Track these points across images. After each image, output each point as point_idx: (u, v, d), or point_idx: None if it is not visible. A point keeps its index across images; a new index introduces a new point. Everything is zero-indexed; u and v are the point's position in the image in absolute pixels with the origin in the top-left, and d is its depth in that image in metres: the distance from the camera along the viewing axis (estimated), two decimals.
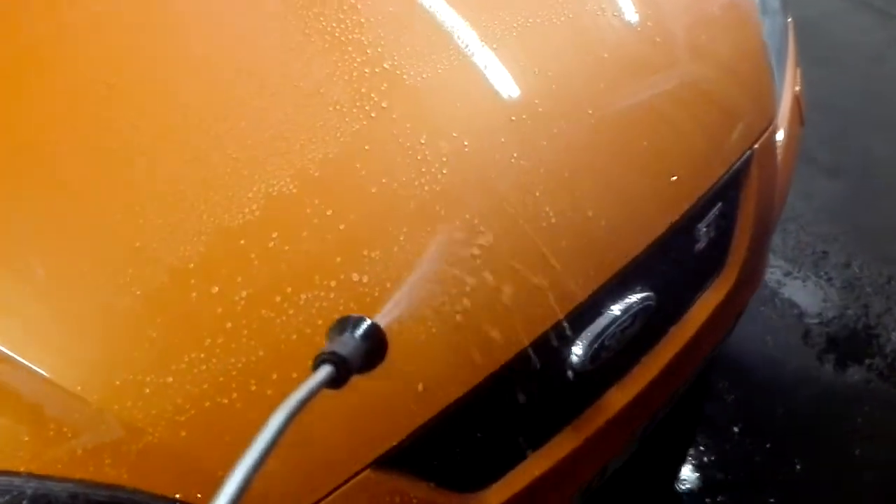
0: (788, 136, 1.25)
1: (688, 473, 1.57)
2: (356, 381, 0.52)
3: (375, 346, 0.54)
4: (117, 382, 0.72)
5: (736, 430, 1.65)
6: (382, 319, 0.57)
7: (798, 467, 1.57)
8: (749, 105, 1.11)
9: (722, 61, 1.10)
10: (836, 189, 2.11)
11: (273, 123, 0.85)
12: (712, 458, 1.59)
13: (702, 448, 1.62)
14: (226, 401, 0.74)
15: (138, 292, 0.75)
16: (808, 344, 1.80)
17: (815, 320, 1.85)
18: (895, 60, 2.68)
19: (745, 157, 1.08)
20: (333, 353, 0.50)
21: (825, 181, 2.12)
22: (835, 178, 2.10)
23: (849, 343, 1.80)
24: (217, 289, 0.76)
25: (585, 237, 0.90)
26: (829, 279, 1.95)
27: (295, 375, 0.76)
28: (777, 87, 1.20)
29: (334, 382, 0.49)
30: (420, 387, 0.80)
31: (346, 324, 0.54)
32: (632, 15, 1.06)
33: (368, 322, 0.54)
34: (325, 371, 0.48)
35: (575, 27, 1.02)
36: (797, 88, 1.33)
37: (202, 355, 0.74)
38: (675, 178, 0.99)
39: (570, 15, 1.02)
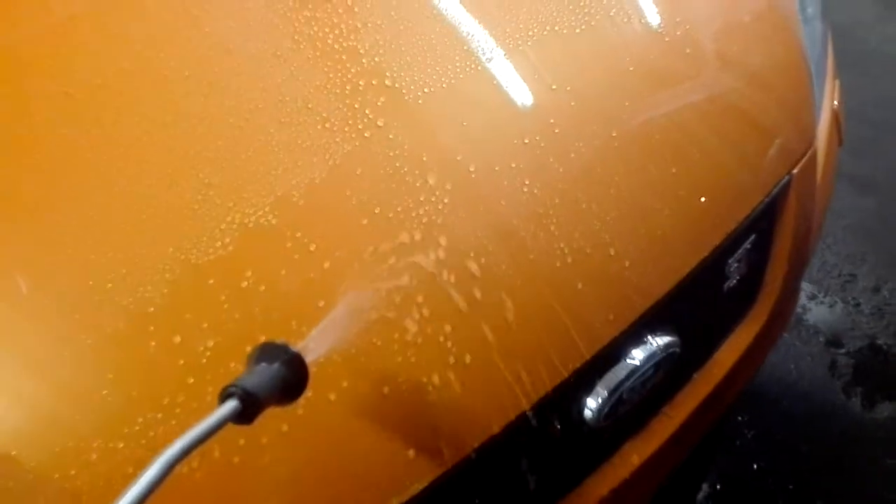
0: (826, 157, 1.13)
1: None
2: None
3: (293, 377, 0.50)
4: (58, 448, 0.62)
5: (756, 467, 1.53)
6: (318, 349, 0.55)
7: None
8: (788, 124, 1.00)
9: (758, 75, 0.98)
10: (866, 206, 1.99)
11: (252, 144, 0.75)
12: (731, 499, 1.49)
13: (719, 487, 1.51)
14: (185, 470, 0.63)
15: (88, 341, 0.65)
16: (834, 375, 1.69)
17: (843, 350, 1.74)
18: None
19: (782, 183, 0.97)
20: (240, 387, 0.46)
21: (854, 197, 2.00)
22: (865, 194, 1.99)
23: (878, 376, 1.68)
24: (179, 338, 0.66)
25: (605, 278, 0.79)
26: (858, 304, 1.83)
27: (265, 441, 0.65)
28: (816, 103, 1.09)
29: (241, 417, 0.45)
30: (411, 453, 0.69)
31: (263, 352, 0.50)
32: (660, 23, 0.95)
33: (289, 351, 0.50)
34: (229, 406, 0.45)
35: (596, 37, 0.91)
36: (836, 103, 1.21)
37: (159, 416, 0.63)
38: (703, 199, 0.88)
39: (592, 23, 0.91)
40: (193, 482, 0.63)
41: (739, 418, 1.60)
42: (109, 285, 0.67)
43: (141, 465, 0.63)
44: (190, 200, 0.71)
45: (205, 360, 0.65)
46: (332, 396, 0.67)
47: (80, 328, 0.65)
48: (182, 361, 0.65)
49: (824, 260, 1.89)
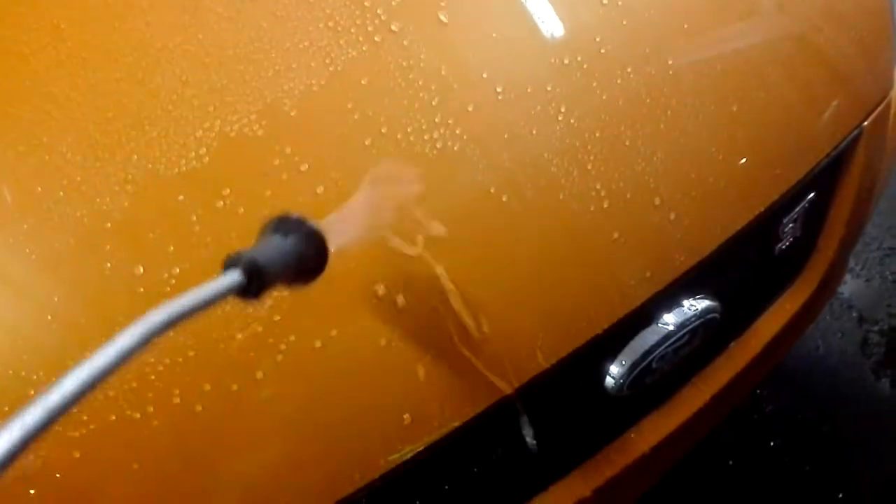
0: None
1: (714, 493, 1.38)
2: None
3: (311, 254, 0.43)
4: None
5: (772, 444, 1.44)
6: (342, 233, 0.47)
7: (840, 496, 1.37)
8: (864, 69, 0.86)
9: (836, 9, 0.85)
10: None
11: (241, 40, 0.63)
12: (743, 477, 1.40)
13: (731, 462, 1.42)
14: (138, 415, 0.54)
15: (32, 256, 0.55)
16: (864, 354, 1.58)
17: (876, 327, 1.62)
18: None
19: (853, 135, 0.84)
20: (246, 256, 0.39)
21: None
22: None
23: None
24: (140, 264, 0.55)
25: (646, 229, 0.67)
26: (895, 280, 1.71)
27: (235, 387, 0.56)
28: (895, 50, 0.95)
29: (245, 292, 0.39)
30: (423, 408, 0.60)
31: (279, 225, 0.44)
32: None
33: (308, 226, 0.43)
34: (231, 277, 0.38)
35: None
36: None
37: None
38: (765, 146, 0.76)
39: None
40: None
41: (758, 391, 1.50)
42: (61, 193, 0.56)
43: (90, 407, 0.55)
44: (163, 100, 0.60)
45: (168, 289, 0.55)
46: (319, 343, 0.57)
47: (25, 240, 0.55)
48: (142, 289, 0.55)
49: (864, 231, 1.75)
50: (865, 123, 0.87)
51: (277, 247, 0.42)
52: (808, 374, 1.54)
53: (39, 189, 0.57)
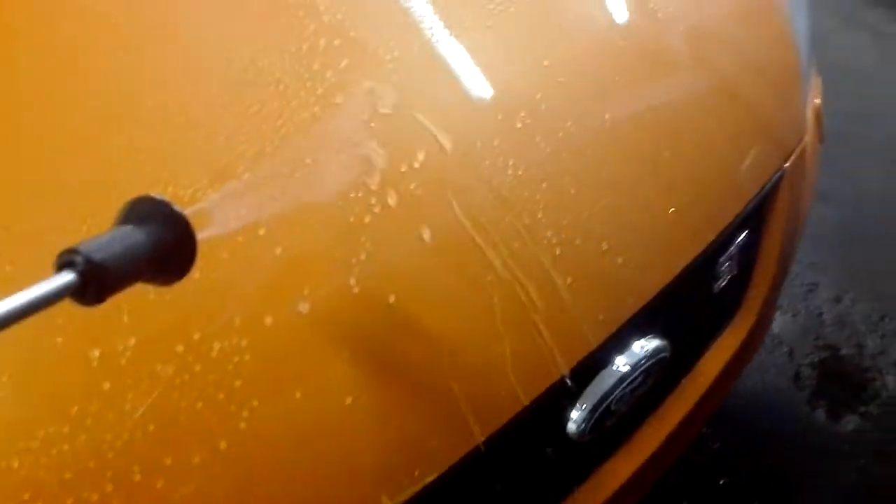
0: (811, 153, 1.07)
1: None
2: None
3: (170, 245, 0.36)
4: None
5: (722, 483, 1.47)
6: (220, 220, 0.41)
7: None
8: (781, 115, 0.93)
9: (752, 62, 0.91)
10: (827, 215, 1.97)
11: (190, 106, 0.63)
12: None
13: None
14: (95, 497, 0.51)
15: None
16: (798, 387, 1.64)
17: (806, 360, 1.69)
18: (887, 81, 2.58)
19: (776, 177, 0.90)
20: (81, 253, 0.32)
21: (815, 206, 1.97)
22: (825, 204, 1.96)
23: (842, 387, 1.64)
24: (97, 352, 0.53)
25: (596, 274, 0.70)
26: (820, 314, 1.80)
27: (197, 460, 0.53)
28: (804, 97, 1.03)
29: (81, 295, 0.33)
30: (386, 468, 0.58)
31: (133, 211, 0.36)
32: (653, 5, 0.87)
33: (170, 211, 0.36)
34: (63, 278, 0.32)
35: (583, 6, 0.82)
36: (817, 101, 1.16)
37: (65, 429, 0.51)
38: (698, 189, 0.80)
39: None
40: None
41: (705, 430, 1.54)
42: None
43: (41, 491, 0.52)
44: (115, 166, 0.59)
45: (124, 363, 0.53)
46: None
47: None
48: (98, 353, 0.53)
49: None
50: (786, 165, 0.93)
51: (126, 238, 0.35)
52: (748, 411, 1.59)
53: None
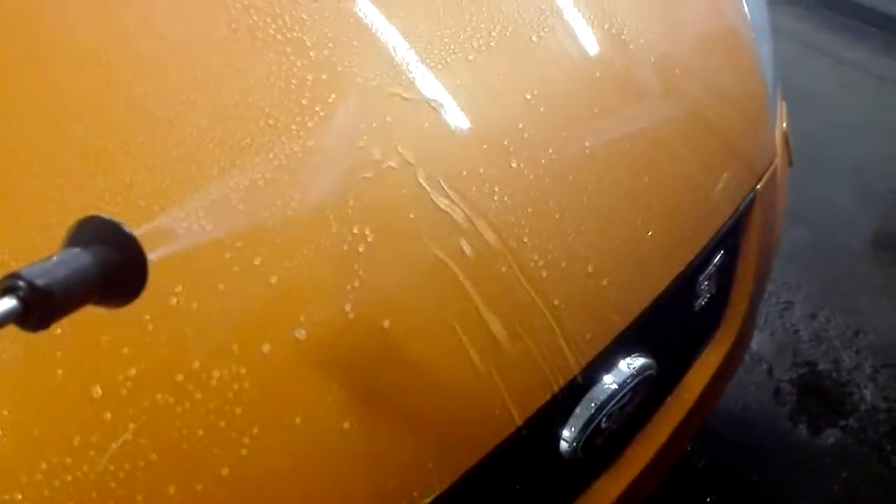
0: (781, 176, 1.11)
1: None
2: None
3: (118, 267, 0.35)
4: None
5: (709, 500, 1.49)
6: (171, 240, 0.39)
7: None
8: (751, 140, 0.97)
9: (722, 90, 0.95)
10: (798, 236, 2.02)
11: (182, 139, 0.64)
12: None
13: None
14: None
15: None
16: (779, 402, 1.67)
17: (786, 377, 1.73)
18: (849, 106, 2.67)
19: (749, 198, 0.94)
20: (24, 278, 0.32)
21: (787, 227, 2.03)
22: (796, 225, 2.02)
23: (821, 401, 1.68)
24: (98, 389, 0.54)
25: (583, 294, 0.72)
26: (797, 331, 1.84)
27: (200, 487, 0.54)
28: (772, 122, 1.07)
29: (22, 320, 0.32)
30: (379, 489, 0.59)
31: (81, 232, 0.35)
32: (623, 31, 0.91)
33: (118, 231, 0.35)
34: (5, 305, 0.31)
35: (561, 40, 0.85)
36: (784, 125, 1.21)
37: (68, 461, 0.52)
38: (676, 210, 0.82)
39: (555, 26, 0.86)
40: None
41: (689, 448, 1.56)
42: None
43: None
44: (107, 202, 0.60)
45: (124, 393, 0.54)
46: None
47: None
48: (99, 390, 0.54)
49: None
50: (758, 187, 0.96)
51: (71, 262, 0.35)
52: (731, 428, 1.61)
53: None
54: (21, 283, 0.32)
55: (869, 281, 2.00)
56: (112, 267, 0.35)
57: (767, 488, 1.51)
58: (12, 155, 0.60)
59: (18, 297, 0.32)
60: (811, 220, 2.10)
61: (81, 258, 0.35)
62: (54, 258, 0.35)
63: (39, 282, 0.32)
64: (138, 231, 0.36)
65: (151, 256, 0.36)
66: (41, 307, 0.32)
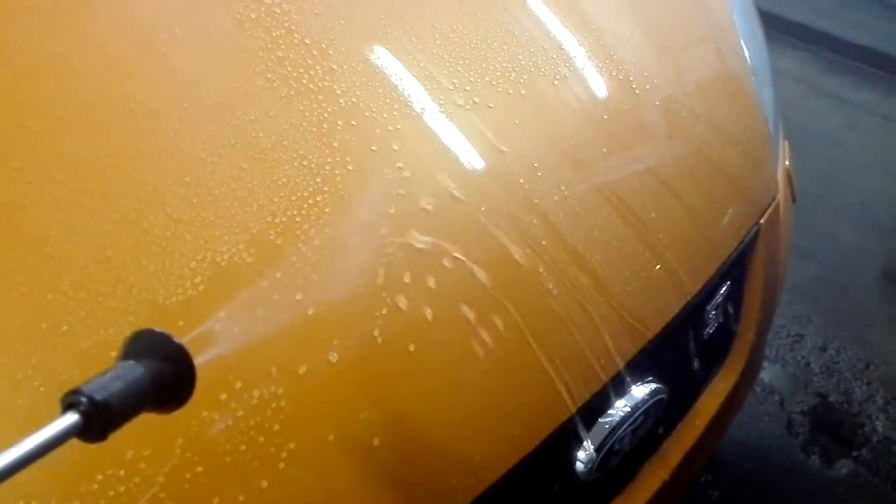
0: (783, 211, 1.16)
1: None
2: None
3: (173, 378, 0.38)
4: None
5: None
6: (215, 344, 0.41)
7: None
8: (753, 176, 1.02)
9: (724, 130, 1.01)
10: (807, 271, 2.06)
11: (224, 180, 0.70)
12: None
13: None
14: None
15: (41, 388, 0.57)
16: (791, 434, 1.69)
17: (798, 408, 1.75)
18: (854, 145, 2.72)
19: (753, 231, 0.98)
20: (85, 394, 0.35)
21: (796, 263, 2.07)
22: (804, 260, 2.06)
23: (834, 433, 1.69)
24: None
25: (597, 321, 0.76)
26: (808, 364, 1.86)
27: (241, 498, 0.58)
28: (774, 159, 1.12)
29: (86, 434, 0.35)
30: None
31: (134, 346, 0.39)
32: (628, 75, 0.97)
33: (170, 343, 0.38)
34: (68, 420, 0.34)
35: (570, 85, 0.91)
36: (787, 163, 1.26)
37: (121, 472, 0.56)
38: (682, 244, 0.87)
39: (566, 74, 0.92)
40: None
41: (703, 479, 1.57)
42: (65, 327, 0.60)
43: None
44: (157, 236, 0.66)
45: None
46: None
47: (33, 373, 0.57)
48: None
49: (773, 321, 1.92)
50: (762, 221, 1.01)
51: (126, 375, 0.37)
52: (744, 458, 1.63)
53: (44, 325, 0.60)
54: (82, 399, 0.35)
55: (878, 314, 2.03)
56: (164, 377, 0.38)
57: None
58: (72, 195, 0.66)
59: (80, 412, 0.35)
60: (819, 255, 2.14)
61: (135, 371, 0.38)
62: (110, 373, 0.37)
63: (98, 397, 0.35)
64: (186, 338, 0.39)
65: (199, 361, 0.40)
66: (100, 420, 0.35)
